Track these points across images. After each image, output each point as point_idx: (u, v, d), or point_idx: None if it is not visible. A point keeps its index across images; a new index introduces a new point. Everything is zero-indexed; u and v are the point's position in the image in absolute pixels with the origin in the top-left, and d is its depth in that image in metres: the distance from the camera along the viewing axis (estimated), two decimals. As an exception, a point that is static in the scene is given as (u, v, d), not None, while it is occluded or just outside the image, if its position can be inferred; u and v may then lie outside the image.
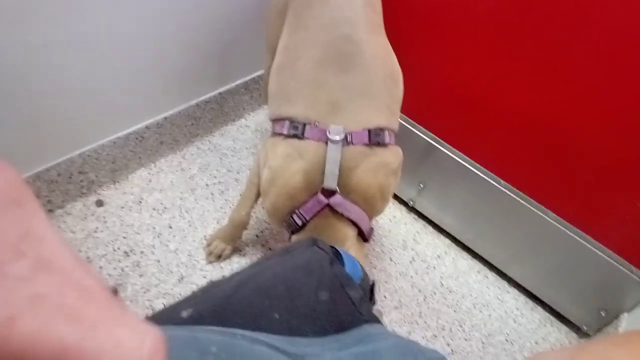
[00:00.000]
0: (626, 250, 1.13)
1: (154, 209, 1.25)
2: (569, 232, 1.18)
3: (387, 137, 0.92)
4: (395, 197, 1.49)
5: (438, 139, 1.29)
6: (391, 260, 1.34)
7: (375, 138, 0.90)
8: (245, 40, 1.37)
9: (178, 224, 1.24)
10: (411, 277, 1.32)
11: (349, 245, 0.93)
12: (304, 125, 0.89)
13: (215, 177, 1.37)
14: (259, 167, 0.99)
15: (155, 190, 1.29)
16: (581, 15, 0.93)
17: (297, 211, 0.90)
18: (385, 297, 1.25)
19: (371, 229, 0.98)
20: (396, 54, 1.01)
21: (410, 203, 1.45)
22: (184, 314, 0.49)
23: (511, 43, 1.05)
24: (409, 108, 1.30)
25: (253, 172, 1.05)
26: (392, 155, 0.95)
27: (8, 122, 0.97)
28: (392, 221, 1.44)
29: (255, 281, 0.53)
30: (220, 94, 1.43)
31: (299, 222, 0.90)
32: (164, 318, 0.48)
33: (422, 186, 1.40)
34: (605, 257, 1.15)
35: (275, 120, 0.95)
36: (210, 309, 0.50)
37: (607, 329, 1.20)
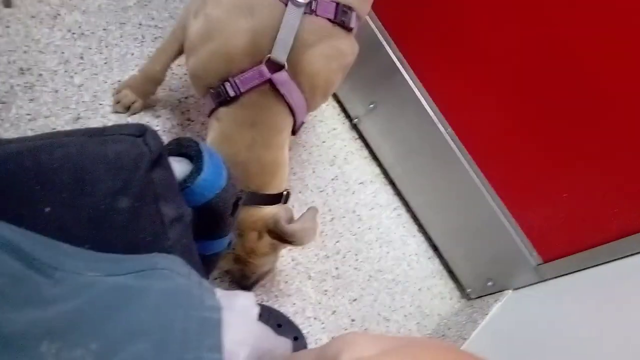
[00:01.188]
0: (534, 234, 1.13)
1: (69, 31, 1.07)
2: (489, 199, 1.16)
3: (353, 21, 0.80)
4: (342, 110, 1.39)
5: (405, 62, 1.17)
6: (314, 172, 1.27)
7: (341, 16, 0.78)
8: None
9: (92, 57, 1.07)
10: (327, 194, 1.27)
11: (283, 139, 0.83)
12: None
13: (153, 18, 1.18)
14: (188, 15, 0.82)
15: (78, 10, 1.10)
16: None
17: (231, 79, 0.76)
18: (293, 206, 1.20)
19: (302, 123, 0.88)
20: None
21: (355, 121, 1.36)
22: None
23: None
24: (385, 14, 1.16)
25: (179, 21, 0.88)
26: (351, 46, 0.85)
27: None
28: (330, 133, 1.35)
29: (33, 158, 0.40)
30: None
31: (231, 93, 0.76)
32: None
33: (372, 106, 1.30)
34: (513, 233, 1.15)
35: None
36: None
37: (488, 298, 1.24)
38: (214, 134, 0.81)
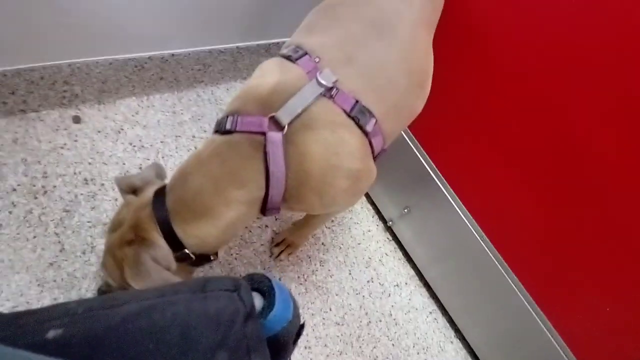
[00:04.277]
0: (576, 345, 1.10)
1: (130, 144, 1.18)
2: (528, 307, 1.15)
3: (371, 125, 0.80)
4: (377, 212, 1.44)
5: (437, 170, 1.23)
6: (350, 274, 1.30)
7: (358, 112, 0.78)
8: (285, 1, 1.28)
9: (149, 167, 1.17)
10: (363, 297, 1.28)
11: (237, 199, 0.75)
12: (305, 53, 0.80)
13: (205, 130, 1.30)
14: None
15: (139, 125, 1.22)
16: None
17: (236, 115, 0.77)
18: (330, 309, 1.21)
19: (275, 210, 0.81)
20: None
21: (389, 223, 1.40)
22: (51, 334, 0.41)
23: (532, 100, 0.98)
24: (419, 128, 1.24)
25: None
26: (361, 159, 0.81)
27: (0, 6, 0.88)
28: (365, 235, 1.39)
29: (148, 317, 0.46)
30: (238, 48, 1.34)
31: (228, 126, 0.76)
32: (26, 331, 0.41)
33: (406, 211, 1.34)
34: (555, 344, 1.12)
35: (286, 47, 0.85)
36: (83, 335, 0.43)
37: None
38: (199, 149, 0.81)
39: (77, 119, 1.16)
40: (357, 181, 0.82)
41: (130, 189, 0.82)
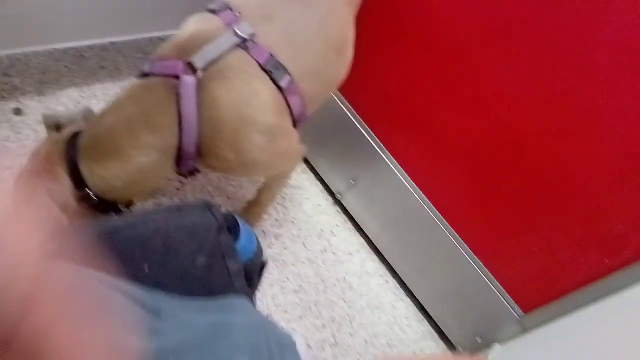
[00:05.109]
0: (514, 289, 1.23)
1: (76, 134, 1.18)
2: (469, 260, 1.26)
3: (285, 82, 0.81)
4: (325, 187, 1.51)
5: (380, 142, 1.32)
6: (304, 245, 1.36)
7: (272, 66, 0.79)
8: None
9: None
10: (318, 266, 1.35)
11: (147, 143, 0.74)
12: (228, 8, 0.83)
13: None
14: None
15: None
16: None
17: (155, 59, 0.78)
18: (288, 278, 1.27)
19: (191, 163, 0.80)
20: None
21: (338, 196, 1.48)
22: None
23: (466, 68, 1.09)
24: (361, 102, 1.32)
25: None
26: (275, 115, 0.82)
27: None
28: (316, 209, 1.46)
29: (133, 229, 0.53)
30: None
31: (146, 69, 0.78)
32: None
33: (353, 182, 1.42)
34: (495, 290, 1.24)
35: None
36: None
37: (479, 354, 1.30)
38: (119, 93, 0.81)
39: (18, 112, 1.15)
40: (273, 140, 0.83)
41: (55, 126, 0.83)
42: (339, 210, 1.50)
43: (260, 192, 1.17)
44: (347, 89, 1.27)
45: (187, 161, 0.79)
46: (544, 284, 1.17)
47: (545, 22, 0.95)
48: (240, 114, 0.78)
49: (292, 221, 1.39)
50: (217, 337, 0.45)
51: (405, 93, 1.21)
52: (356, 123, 1.33)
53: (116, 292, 0.42)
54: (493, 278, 1.25)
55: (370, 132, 1.32)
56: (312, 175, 1.52)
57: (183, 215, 0.57)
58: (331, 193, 1.50)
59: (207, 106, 0.76)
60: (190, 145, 0.76)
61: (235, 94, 0.77)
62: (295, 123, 0.90)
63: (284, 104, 0.84)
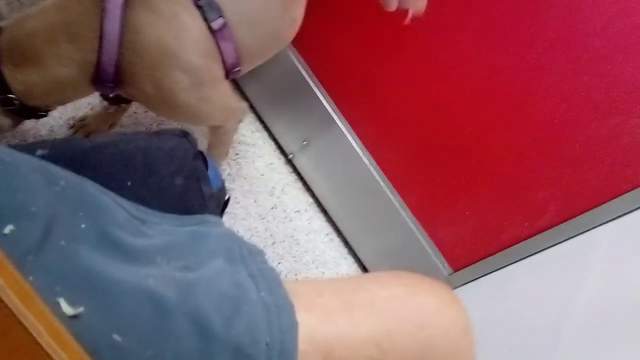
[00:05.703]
0: (446, 249, 1.35)
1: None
2: (408, 220, 1.36)
3: (218, 24, 0.78)
4: (278, 146, 1.55)
5: (334, 104, 1.37)
6: (255, 201, 1.41)
7: (205, 3, 0.77)
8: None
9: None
10: (268, 221, 1.40)
11: (62, 53, 0.72)
12: None
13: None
14: None
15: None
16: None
17: None
18: (238, 231, 1.32)
19: (108, 85, 0.78)
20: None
21: (290, 156, 1.53)
22: (39, 152, 0.49)
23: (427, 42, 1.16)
24: (319, 63, 1.36)
25: None
26: (203, 56, 0.79)
27: None
28: (268, 167, 1.50)
29: (116, 146, 0.56)
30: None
31: None
32: (19, 150, 0.48)
33: (305, 143, 1.47)
34: (428, 248, 1.36)
35: None
36: (66, 156, 0.51)
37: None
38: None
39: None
40: (200, 84, 0.80)
41: None
42: (291, 170, 1.55)
43: (208, 147, 1.19)
44: (305, 48, 1.31)
45: (106, 83, 0.77)
46: (472, 245, 1.30)
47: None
48: (163, 45, 0.75)
49: (245, 177, 1.43)
50: (197, 241, 0.51)
51: (361, 57, 1.27)
52: (312, 84, 1.37)
53: (106, 196, 0.46)
54: (429, 239, 1.36)
55: (327, 94, 1.37)
56: (265, 133, 1.55)
57: (161, 140, 0.61)
58: (284, 152, 1.54)
59: (130, 28, 0.73)
60: (108, 65, 0.74)
61: (161, 23, 0.74)
62: (227, 74, 0.87)
63: (215, 48, 0.81)
